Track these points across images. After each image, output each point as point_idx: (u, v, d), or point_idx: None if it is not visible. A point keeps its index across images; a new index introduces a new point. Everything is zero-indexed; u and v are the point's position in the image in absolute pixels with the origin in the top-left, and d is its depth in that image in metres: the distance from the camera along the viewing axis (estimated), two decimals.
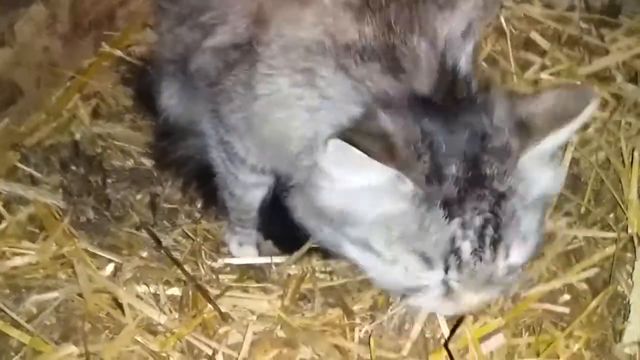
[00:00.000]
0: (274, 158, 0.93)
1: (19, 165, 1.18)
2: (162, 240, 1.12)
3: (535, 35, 1.35)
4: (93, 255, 1.06)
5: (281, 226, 1.09)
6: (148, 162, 1.28)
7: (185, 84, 1.08)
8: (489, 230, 0.75)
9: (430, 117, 0.76)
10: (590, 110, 0.76)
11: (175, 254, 1.10)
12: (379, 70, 0.79)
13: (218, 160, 1.05)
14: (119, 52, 1.39)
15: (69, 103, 1.31)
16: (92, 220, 1.13)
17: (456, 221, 0.74)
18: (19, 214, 1.11)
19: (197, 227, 1.17)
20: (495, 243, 0.76)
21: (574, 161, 1.16)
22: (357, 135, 0.72)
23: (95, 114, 1.33)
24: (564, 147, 1.17)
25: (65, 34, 1.30)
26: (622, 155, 1.12)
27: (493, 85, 0.85)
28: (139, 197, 1.23)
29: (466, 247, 0.75)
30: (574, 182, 1.15)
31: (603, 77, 1.30)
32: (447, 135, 0.75)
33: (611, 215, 1.09)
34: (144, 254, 1.10)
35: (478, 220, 0.74)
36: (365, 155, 0.70)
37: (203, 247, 1.12)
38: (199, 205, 1.23)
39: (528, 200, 0.77)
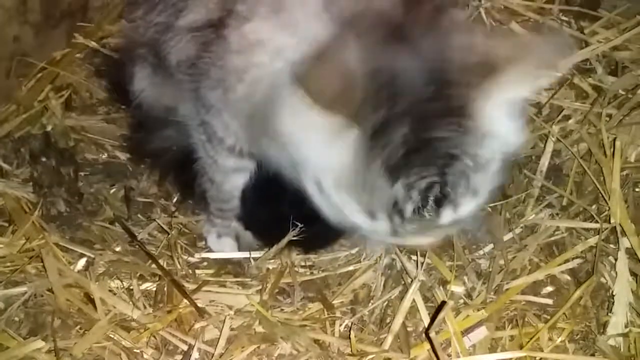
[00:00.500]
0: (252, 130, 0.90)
1: None
2: (136, 234, 1.09)
3: (515, 27, 1.33)
4: (64, 249, 1.03)
5: (262, 218, 1.08)
6: (122, 156, 1.25)
7: (157, 65, 1.05)
8: (435, 191, 0.71)
9: (399, 50, 0.70)
10: (567, 62, 0.71)
11: (150, 249, 1.07)
12: None
13: (198, 143, 1.02)
14: (92, 43, 1.36)
15: (40, 94, 1.27)
16: (63, 213, 1.09)
17: (399, 183, 0.70)
18: None
19: (173, 221, 1.14)
20: (440, 202, 0.72)
21: (555, 153, 1.15)
22: (312, 73, 0.67)
23: (68, 106, 1.29)
24: (544, 137, 1.17)
25: (36, 24, 1.26)
26: (603, 146, 1.11)
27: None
28: (112, 190, 1.19)
29: (409, 209, 0.72)
30: (556, 174, 1.14)
31: (583, 69, 1.29)
32: (412, 82, 0.69)
33: (593, 207, 1.08)
34: (118, 249, 1.07)
35: (423, 184, 0.70)
36: (314, 113, 0.66)
37: (179, 242, 1.08)
38: (174, 199, 1.20)
39: (482, 160, 0.72)
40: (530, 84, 0.71)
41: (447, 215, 0.74)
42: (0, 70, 1.22)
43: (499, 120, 0.72)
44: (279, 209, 1.03)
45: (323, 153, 0.72)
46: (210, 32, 0.88)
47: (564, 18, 1.39)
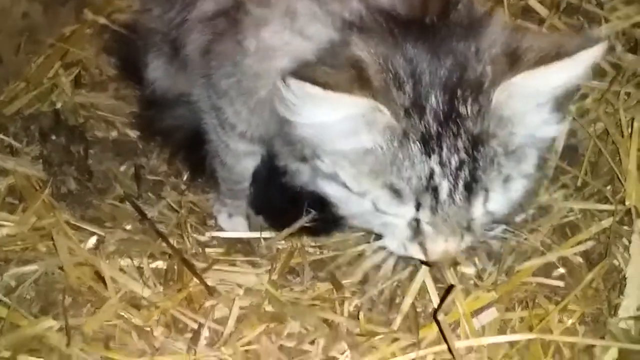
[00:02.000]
0: (265, 120, 0.89)
1: None
2: (146, 212, 1.09)
3: (534, 3, 1.30)
4: (75, 227, 1.04)
5: (274, 203, 1.07)
6: (132, 133, 1.25)
7: (172, 55, 1.06)
8: (465, 173, 0.70)
9: (415, 41, 0.70)
10: (590, 55, 0.68)
11: (161, 227, 1.07)
12: None
13: (210, 126, 1.02)
14: (102, 20, 1.35)
15: (49, 71, 1.27)
16: (73, 191, 1.10)
17: (435, 158, 0.70)
18: None
19: (183, 199, 1.14)
20: (470, 187, 0.71)
21: (571, 132, 1.13)
22: (320, 67, 0.68)
23: (78, 83, 1.29)
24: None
25: (45, 0, 1.25)
26: (620, 125, 1.09)
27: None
28: (122, 168, 1.20)
29: (444, 186, 0.71)
30: (571, 154, 1.12)
31: None
32: (431, 63, 0.70)
33: (608, 187, 1.06)
34: (128, 227, 1.07)
35: (454, 160, 0.70)
36: (324, 90, 0.66)
37: (189, 220, 1.09)
38: (185, 177, 1.20)
39: (512, 146, 0.72)
40: (546, 74, 0.69)
41: (478, 205, 0.72)
42: (10, 47, 1.22)
43: (522, 109, 0.71)
44: (290, 194, 1.03)
45: (345, 140, 0.71)
46: (221, 21, 0.88)
47: None
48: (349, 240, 1.08)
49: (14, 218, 1.03)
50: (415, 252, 0.79)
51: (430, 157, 0.70)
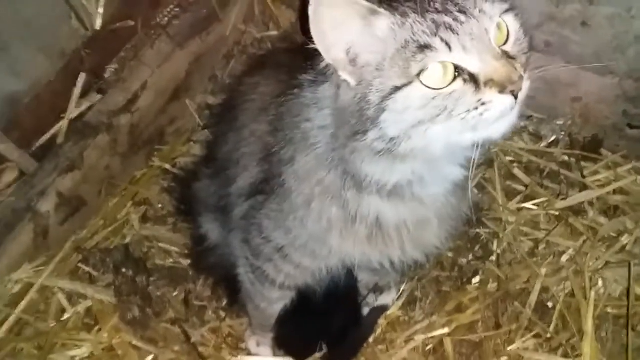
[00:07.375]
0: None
1: (80, 265, 1.43)
2: (191, 336, 1.35)
3: (517, 172, 1.52)
4: (136, 347, 1.30)
5: (294, 340, 1.32)
6: (184, 262, 1.52)
7: (222, 221, 1.30)
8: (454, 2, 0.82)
9: None
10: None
11: (202, 349, 1.33)
12: None
13: (246, 279, 1.24)
14: (166, 165, 1.62)
15: (123, 210, 1.54)
16: (137, 317, 1.36)
17: (430, 12, 0.81)
18: (79, 307, 1.36)
19: (222, 324, 1.40)
20: (463, 10, 0.81)
21: (544, 289, 1.34)
22: None
23: (144, 218, 1.56)
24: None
25: (123, 153, 1.54)
26: (585, 288, 1.30)
27: None
28: (175, 293, 1.46)
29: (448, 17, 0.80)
30: (544, 309, 1.33)
31: (578, 210, 1.47)
32: None
33: (576, 338, 1.26)
34: (176, 348, 1.33)
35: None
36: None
37: (223, 346, 1.34)
38: (224, 303, 1.45)
39: None
40: None
41: (475, 12, 0.81)
42: (94, 193, 1.50)
43: None
44: (308, 332, 1.27)
45: (371, 46, 0.84)
46: (260, 195, 1.10)
47: (566, 159, 1.56)
48: None
49: (90, 338, 1.30)
50: (490, 93, 0.80)
51: (426, 12, 0.81)
